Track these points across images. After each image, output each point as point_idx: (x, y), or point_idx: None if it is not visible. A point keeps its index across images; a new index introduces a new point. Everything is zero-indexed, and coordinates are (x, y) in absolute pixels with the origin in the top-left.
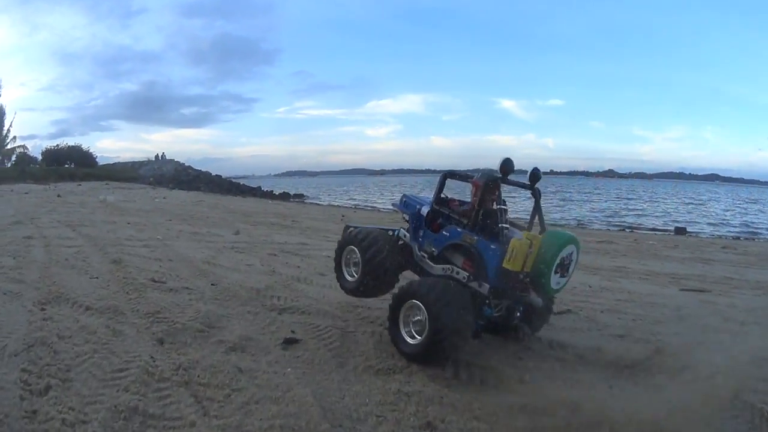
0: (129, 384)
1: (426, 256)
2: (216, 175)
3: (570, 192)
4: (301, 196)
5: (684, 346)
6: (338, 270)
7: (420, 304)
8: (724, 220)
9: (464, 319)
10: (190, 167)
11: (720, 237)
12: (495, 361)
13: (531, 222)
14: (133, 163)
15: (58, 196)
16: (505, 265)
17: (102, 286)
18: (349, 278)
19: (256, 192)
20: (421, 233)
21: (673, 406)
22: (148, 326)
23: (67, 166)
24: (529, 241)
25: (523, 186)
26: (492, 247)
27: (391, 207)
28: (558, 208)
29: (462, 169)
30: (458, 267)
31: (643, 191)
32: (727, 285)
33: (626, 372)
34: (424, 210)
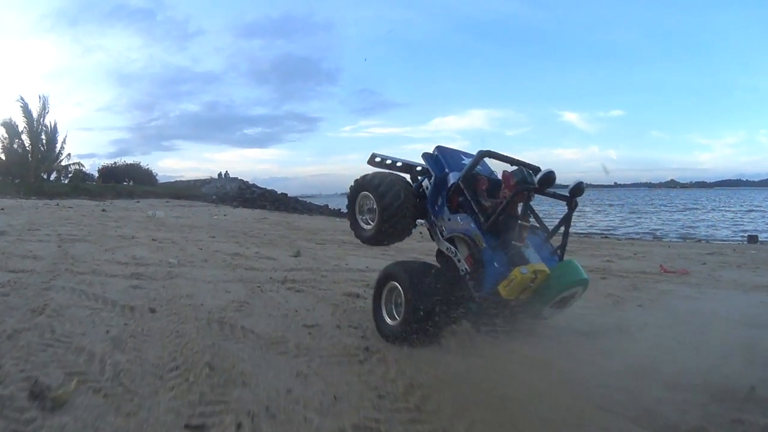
0: None
1: (437, 225)
2: (282, 193)
3: (637, 204)
4: None
5: None
6: (352, 218)
7: (398, 286)
8: None
9: (440, 308)
10: (254, 185)
11: None
12: None
13: (554, 231)
14: (196, 181)
15: (103, 210)
16: (499, 289)
17: None
18: (365, 226)
19: (323, 210)
20: (439, 201)
21: None
22: None
23: (125, 183)
24: (533, 275)
25: (561, 198)
26: (495, 265)
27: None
28: (629, 221)
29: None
30: (462, 257)
31: (706, 201)
32: None
33: None
34: (451, 179)
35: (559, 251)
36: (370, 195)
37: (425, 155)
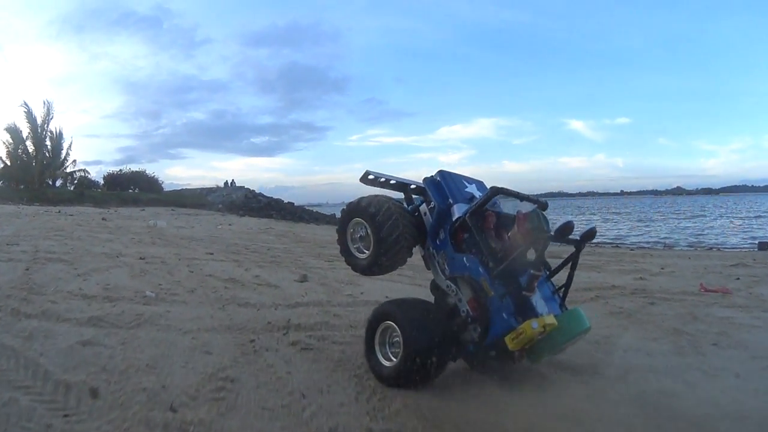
0: None
1: (436, 259)
2: (288, 202)
3: (644, 212)
4: None
5: None
6: (344, 245)
7: (395, 326)
8: None
9: (441, 347)
10: (260, 194)
11: None
12: None
13: (557, 270)
14: (202, 189)
15: (103, 219)
16: (506, 340)
17: None
18: (359, 255)
19: (330, 220)
20: (441, 235)
21: None
22: None
23: (130, 191)
24: (542, 329)
25: (571, 242)
26: (504, 316)
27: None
28: (638, 230)
29: (535, 194)
30: (464, 299)
31: (713, 207)
32: None
33: None
34: (455, 212)
35: (556, 289)
36: (365, 223)
37: (426, 180)
